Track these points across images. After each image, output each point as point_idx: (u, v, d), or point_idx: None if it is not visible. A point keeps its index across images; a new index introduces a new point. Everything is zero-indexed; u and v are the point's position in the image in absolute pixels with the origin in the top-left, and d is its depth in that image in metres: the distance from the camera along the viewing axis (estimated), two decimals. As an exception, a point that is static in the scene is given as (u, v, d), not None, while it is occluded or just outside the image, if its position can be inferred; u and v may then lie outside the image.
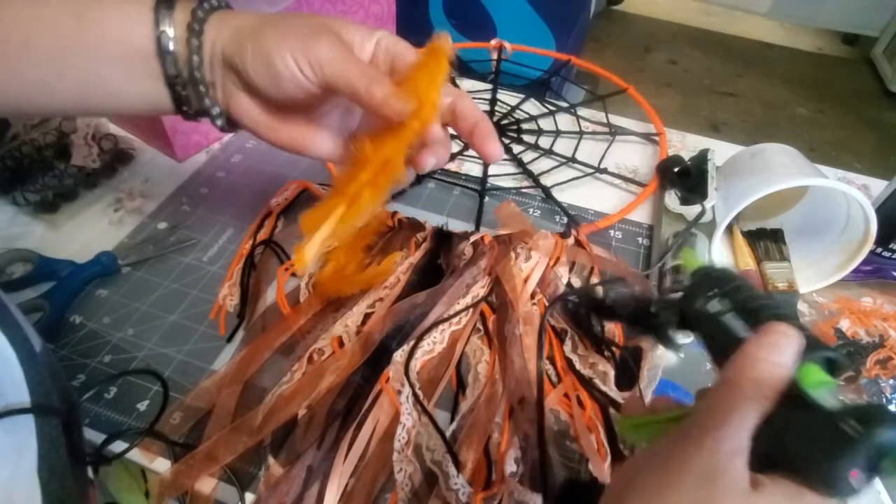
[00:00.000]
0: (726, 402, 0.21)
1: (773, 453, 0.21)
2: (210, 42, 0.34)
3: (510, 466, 0.37)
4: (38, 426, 0.28)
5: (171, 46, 0.33)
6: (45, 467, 0.27)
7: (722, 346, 0.24)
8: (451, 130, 0.40)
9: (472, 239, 0.50)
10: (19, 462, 0.27)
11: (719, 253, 0.51)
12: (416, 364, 0.42)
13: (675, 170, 0.58)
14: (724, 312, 0.25)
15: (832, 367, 0.22)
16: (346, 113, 0.40)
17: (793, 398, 0.21)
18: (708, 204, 0.52)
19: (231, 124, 0.37)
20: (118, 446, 0.38)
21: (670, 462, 0.21)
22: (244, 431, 0.38)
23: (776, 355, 0.22)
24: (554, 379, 0.43)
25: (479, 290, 0.47)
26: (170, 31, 0.33)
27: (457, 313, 0.45)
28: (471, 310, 0.46)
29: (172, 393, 0.41)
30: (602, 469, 0.38)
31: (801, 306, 0.50)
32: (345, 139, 0.38)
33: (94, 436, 0.38)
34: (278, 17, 0.34)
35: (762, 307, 0.24)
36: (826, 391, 0.21)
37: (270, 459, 0.37)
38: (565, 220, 0.57)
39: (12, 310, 0.30)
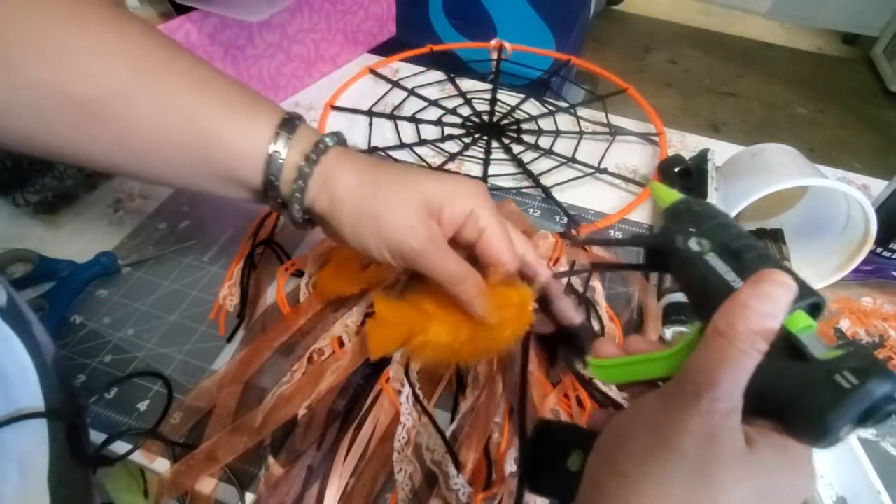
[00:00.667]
0: (719, 356, 0.20)
1: (762, 403, 0.20)
2: (312, 193, 0.35)
3: (510, 466, 0.37)
4: (50, 432, 0.28)
5: (284, 170, 0.34)
6: (55, 473, 0.28)
7: (703, 290, 0.23)
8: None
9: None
10: (33, 468, 0.27)
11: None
12: (415, 364, 0.42)
13: (676, 169, 0.58)
14: (705, 252, 0.23)
15: (815, 312, 0.22)
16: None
17: (781, 346, 0.20)
18: (708, 204, 0.52)
19: (311, 223, 0.38)
20: (119, 446, 0.38)
21: (664, 424, 0.21)
22: (244, 432, 0.38)
23: (771, 306, 0.20)
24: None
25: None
26: (287, 151, 0.34)
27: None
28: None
29: (174, 393, 0.41)
30: None
31: (801, 306, 0.50)
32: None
33: (94, 436, 0.38)
34: (375, 192, 0.34)
35: (746, 247, 0.23)
36: (814, 339, 0.20)
37: (270, 459, 0.37)
38: (565, 220, 0.57)
39: (27, 315, 0.30)
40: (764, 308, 0.20)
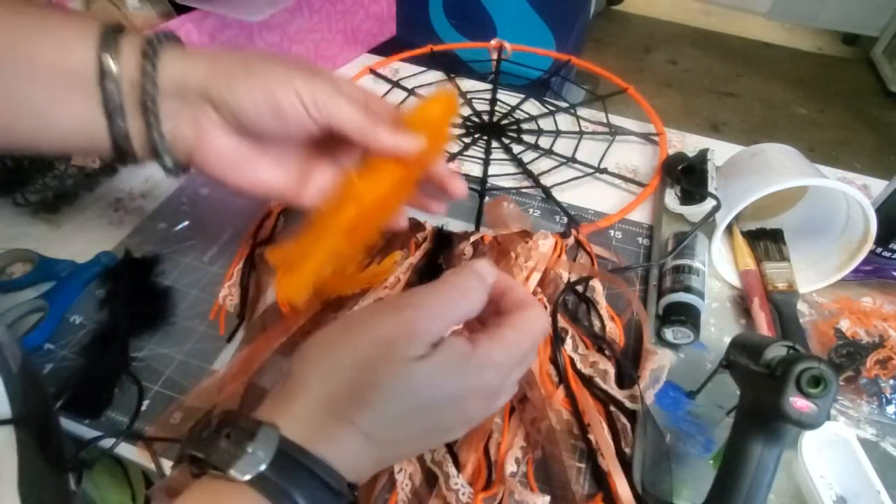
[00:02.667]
0: (433, 293, 0.28)
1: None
2: (176, 72, 0.32)
3: (510, 466, 0.38)
4: (18, 439, 0.28)
5: (115, 69, 0.31)
6: (25, 479, 0.27)
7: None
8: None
9: (472, 239, 0.50)
10: (2, 475, 0.26)
11: (719, 253, 0.51)
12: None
13: (680, 167, 0.58)
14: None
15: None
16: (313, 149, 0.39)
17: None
18: (708, 204, 0.52)
19: (177, 166, 0.35)
20: (122, 447, 0.38)
21: (356, 320, 0.28)
22: None
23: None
24: (556, 378, 0.43)
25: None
26: (115, 55, 0.31)
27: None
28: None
29: (171, 392, 0.41)
30: (613, 462, 0.38)
31: (801, 306, 0.50)
32: (300, 174, 0.38)
33: (87, 432, 0.38)
34: (262, 56, 0.34)
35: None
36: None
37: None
38: (565, 220, 0.57)
39: None
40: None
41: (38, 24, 0.31)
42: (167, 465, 0.37)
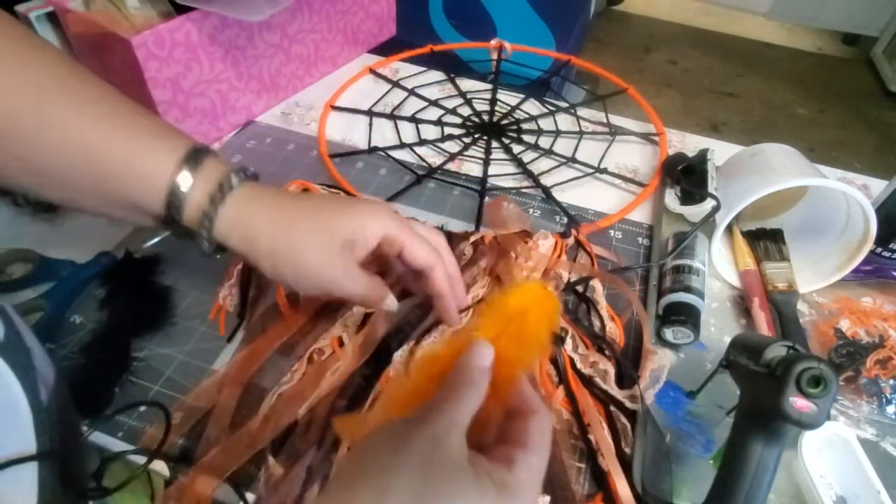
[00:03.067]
0: (448, 388, 0.27)
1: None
2: (238, 219, 0.35)
3: None
4: (39, 474, 0.27)
5: (185, 191, 0.34)
6: None
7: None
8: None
9: (472, 239, 0.50)
10: None
11: (719, 253, 0.51)
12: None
13: (680, 167, 0.58)
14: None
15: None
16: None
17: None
18: (708, 204, 0.52)
19: (221, 250, 0.37)
20: (121, 444, 0.38)
21: (402, 429, 0.25)
22: (248, 439, 0.38)
23: (479, 361, 0.28)
24: (556, 378, 0.43)
25: (479, 290, 0.47)
26: (193, 174, 0.34)
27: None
28: (471, 310, 0.46)
29: (172, 392, 0.41)
30: (613, 462, 0.38)
31: (801, 306, 0.50)
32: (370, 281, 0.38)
33: (99, 438, 0.38)
34: (289, 233, 0.35)
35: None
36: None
37: (270, 460, 0.37)
38: (565, 220, 0.57)
39: (27, 343, 0.30)
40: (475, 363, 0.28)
41: (131, 139, 0.34)
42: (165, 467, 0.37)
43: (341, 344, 0.43)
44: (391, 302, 0.39)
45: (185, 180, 0.34)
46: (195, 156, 0.35)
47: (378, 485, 0.23)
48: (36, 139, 0.32)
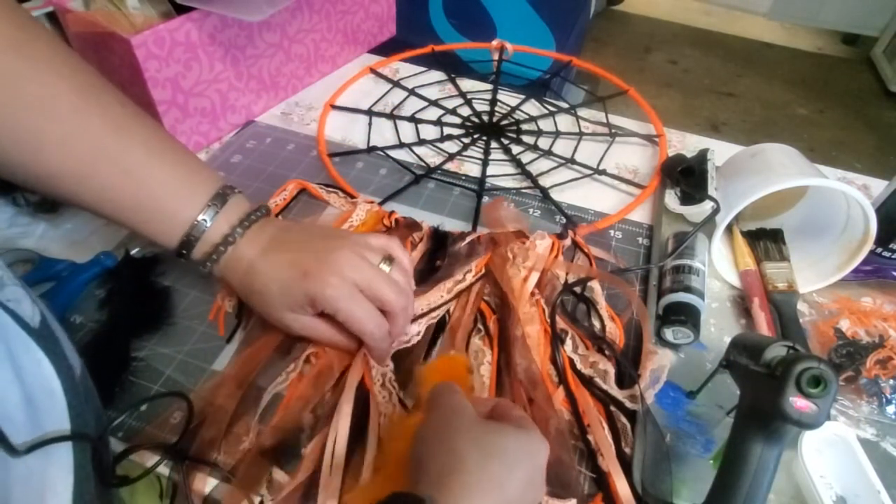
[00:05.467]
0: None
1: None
2: (246, 256, 0.41)
3: None
4: (75, 456, 0.28)
5: (205, 230, 0.41)
6: (79, 496, 0.27)
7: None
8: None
9: (469, 239, 0.50)
10: (56, 494, 0.26)
11: (719, 253, 0.51)
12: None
13: (679, 169, 0.58)
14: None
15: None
16: None
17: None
18: (708, 204, 0.52)
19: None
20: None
21: (437, 413, 0.31)
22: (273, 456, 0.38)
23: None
24: (555, 379, 0.43)
25: (465, 284, 0.47)
26: (213, 217, 0.41)
27: (438, 306, 0.46)
28: (469, 309, 0.46)
29: (171, 392, 0.41)
30: (613, 462, 0.38)
31: (801, 306, 0.50)
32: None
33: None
34: (267, 275, 0.40)
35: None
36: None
37: (275, 469, 0.37)
38: (564, 220, 0.57)
39: (57, 334, 0.30)
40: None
41: (170, 178, 0.40)
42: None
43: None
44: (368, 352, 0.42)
45: (203, 226, 0.40)
46: (218, 200, 0.41)
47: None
48: (102, 173, 0.38)
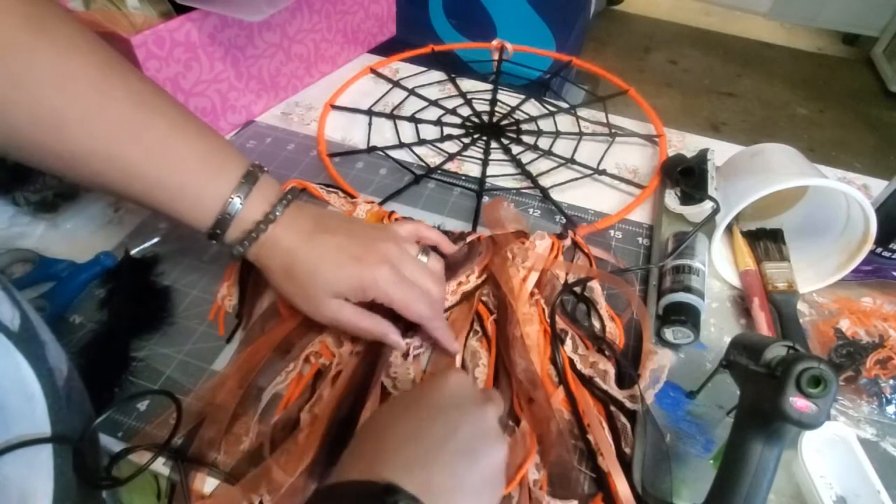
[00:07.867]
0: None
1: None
2: (279, 242, 0.40)
3: (532, 474, 0.37)
4: (55, 461, 0.27)
5: (236, 212, 0.39)
6: (59, 499, 0.27)
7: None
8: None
9: (469, 239, 0.50)
10: (38, 502, 0.26)
11: (719, 253, 0.51)
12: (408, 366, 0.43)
13: (679, 169, 0.58)
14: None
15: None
16: None
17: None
18: (708, 204, 0.52)
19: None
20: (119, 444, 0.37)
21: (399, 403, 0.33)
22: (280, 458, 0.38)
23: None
24: (555, 379, 0.43)
25: (470, 286, 0.47)
26: (243, 200, 0.39)
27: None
28: (467, 308, 0.46)
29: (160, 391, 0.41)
30: (613, 462, 0.38)
31: (801, 306, 0.50)
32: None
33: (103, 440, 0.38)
34: (316, 258, 0.40)
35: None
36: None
37: (274, 468, 0.37)
38: (564, 220, 0.57)
39: (42, 336, 0.30)
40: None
41: (200, 160, 0.39)
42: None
43: (340, 344, 0.43)
44: (396, 340, 0.42)
45: (236, 205, 0.39)
46: (249, 179, 0.39)
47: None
48: (129, 154, 0.36)
